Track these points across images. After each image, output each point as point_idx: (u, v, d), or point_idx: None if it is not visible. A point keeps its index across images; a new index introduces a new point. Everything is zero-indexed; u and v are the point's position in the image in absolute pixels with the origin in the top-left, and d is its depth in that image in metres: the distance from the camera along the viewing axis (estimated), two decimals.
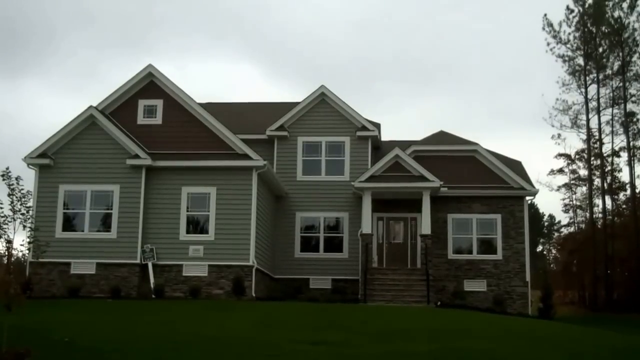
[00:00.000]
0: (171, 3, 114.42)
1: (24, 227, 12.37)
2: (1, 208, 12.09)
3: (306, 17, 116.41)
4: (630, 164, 47.14)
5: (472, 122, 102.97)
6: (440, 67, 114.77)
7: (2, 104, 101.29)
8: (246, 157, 24.62)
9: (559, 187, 56.27)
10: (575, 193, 56.59)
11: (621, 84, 47.93)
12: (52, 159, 24.74)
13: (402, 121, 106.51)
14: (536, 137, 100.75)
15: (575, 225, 58.21)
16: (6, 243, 12.06)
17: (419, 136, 31.31)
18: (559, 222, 74.81)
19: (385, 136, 31.91)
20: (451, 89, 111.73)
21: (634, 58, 47.86)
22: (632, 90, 48.06)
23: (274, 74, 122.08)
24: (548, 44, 50.47)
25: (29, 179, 24.09)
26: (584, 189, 53.48)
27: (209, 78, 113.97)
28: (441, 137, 30.74)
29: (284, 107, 30.05)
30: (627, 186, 48.89)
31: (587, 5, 49.36)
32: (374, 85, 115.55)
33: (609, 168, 49.32)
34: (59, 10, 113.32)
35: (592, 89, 48.83)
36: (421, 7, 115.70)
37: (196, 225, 24.48)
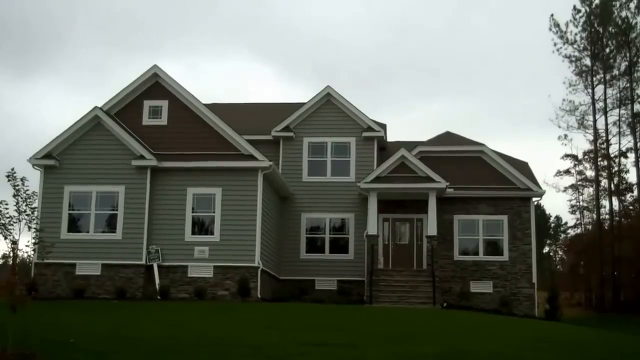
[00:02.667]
0: (184, 3, 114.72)
1: (29, 228, 12.30)
2: (6, 209, 12.03)
3: (319, 17, 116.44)
4: (638, 165, 46.97)
5: (478, 123, 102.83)
6: (447, 69, 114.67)
7: (13, 104, 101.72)
8: (252, 157, 24.57)
9: (566, 188, 56.16)
10: (582, 194, 56.46)
11: (628, 85, 47.78)
12: (57, 160, 24.74)
13: (408, 122, 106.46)
14: (543, 138, 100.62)
15: (582, 226, 58.04)
16: (11, 244, 11.99)
17: (425, 137, 31.27)
18: (566, 223, 74.66)
19: (392, 137, 31.87)
20: (457, 90, 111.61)
21: None
22: (639, 91, 47.90)
23: (288, 73, 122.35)
24: (555, 45, 50.38)
25: (34, 180, 24.14)
26: (591, 190, 53.34)
27: (222, 78, 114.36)
28: (447, 137, 30.65)
29: (290, 108, 30.00)
30: (634, 187, 48.74)
31: (594, 5, 49.19)
32: (383, 86, 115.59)
33: (616, 169, 49.14)
34: (70, 9, 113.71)
35: (599, 90, 48.74)
36: (428, 9, 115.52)
37: (201, 226, 24.44)
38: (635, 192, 48.87)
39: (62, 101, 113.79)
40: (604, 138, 48.87)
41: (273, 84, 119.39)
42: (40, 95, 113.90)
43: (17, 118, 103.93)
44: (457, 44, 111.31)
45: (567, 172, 55.21)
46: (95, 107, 25.00)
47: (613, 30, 48.58)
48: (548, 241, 79.62)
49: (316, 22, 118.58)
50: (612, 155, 48.88)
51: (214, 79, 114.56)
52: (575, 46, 49.71)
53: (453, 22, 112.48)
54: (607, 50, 48.92)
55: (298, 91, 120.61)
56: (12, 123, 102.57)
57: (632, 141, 47.60)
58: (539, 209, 66.33)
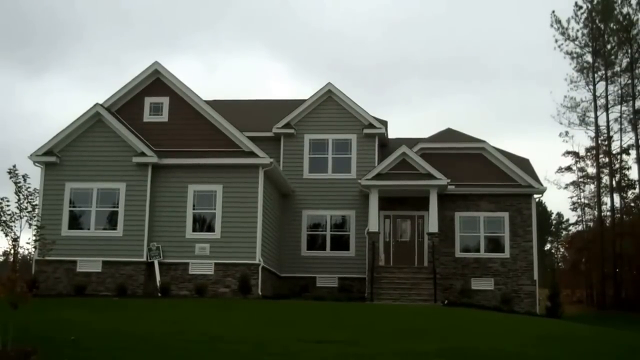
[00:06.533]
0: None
1: (30, 225, 12.28)
2: (8, 206, 12.01)
3: (330, 14, 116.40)
4: (639, 162, 46.91)
5: (479, 120, 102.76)
6: (448, 66, 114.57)
7: (26, 101, 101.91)
8: (252, 154, 24.53)
9: (567, 185, 56.07)
10: (583, 191, 56.37)
11: (630, 81, 47.70)
12: (58, 157, 24.70)
13: (410, 119, 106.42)
14: (544, 135, 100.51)
15: (584, 223, 57.99)
16: (12, 241, 11.97)
17: (426, 134, 31.23)
18: (567, 220, 74.52)
19: (393, 134, 31.83)
20: (459, 87, 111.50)
21: None
22: None
23: (301, 71, 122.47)
24: (556, 41, 50.31)
25: (35, 177, 24.11)
26: (592, 187, 53.25)
27: (235, 74, 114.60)
28: (448, 134, 30.59)
29: (291, 105, 29.96)
30: (636, 184, 48.67)
31: (595, 2, 49.10)
32: (386, 83, 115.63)
33: (618, 166, 49.07)
34: (86, 7, 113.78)
35: (601, 86, 48.66)
36: (428, 7, 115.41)
37: (202, 223, 24.42)
38: (637, 189, 48.84)
39: (76, 98, 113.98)
40: (606, 135, 48.81)
41: (286, 81, 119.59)
42: (55, 92, 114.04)
43: (30, 115, 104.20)
44: (458, 41, 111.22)
45: (569, 169, 55.15)
46: (96, 104, 24.97)
47: (614, 27, 48.48)
48: (549, 238, 79.55)
49: (326, 20, 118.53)
50: (613, 152, 48.81)
51: (228, 75, 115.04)
52: (576, 43, 49.66)
53: (455, 20, 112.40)
54: (609, 46, 48.83)
55: (310, 88, 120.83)
56: (26, 120, 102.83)
57: (634, 138, 47.54)
58: (540, 206, 66.26)
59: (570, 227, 67.26)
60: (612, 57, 48.48)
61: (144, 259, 23.88)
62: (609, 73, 48.36)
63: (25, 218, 12.03)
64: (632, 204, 50.60)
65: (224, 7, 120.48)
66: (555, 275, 56.70)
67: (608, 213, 49.20)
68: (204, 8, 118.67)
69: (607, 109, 48.24)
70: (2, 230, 11.80)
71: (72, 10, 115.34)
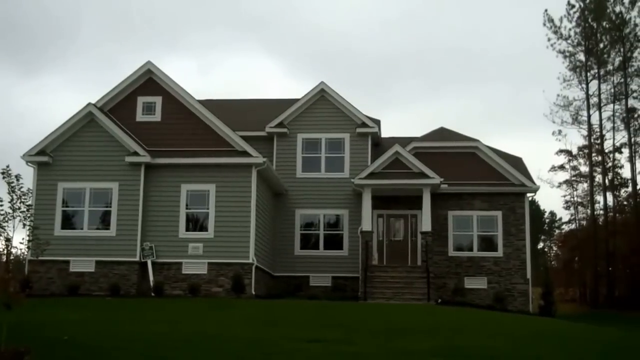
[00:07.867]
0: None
1: (24, 225, 12.24)
2: (1, 206, 11.97)
3: (325, 14, 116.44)
4: (632, 160, 47.15)
5: (472, 119, 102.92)
6: (440, 65, 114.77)
7: (22, 101, 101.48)
8: (245, 154, 24.53)
9: (560, 184, 56.24)
10: (576, 190, 56.59)
11: (622, 80, 47.87)
12: (50, 157, 24.64)
13: (403, 118, 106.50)
14: (537, 134, 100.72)
15: (576, 222, 58.20)
16: (5, 241, 11.92)
17: (419, 133, 31.27)
18: (560, 219, 74.73)
19: (386, 133, 31.86)
20: (451, 86, 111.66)
21: (635, 54, 47.83)
22: (633, 86, 48.04)
23: (297, 70, 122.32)
24: (549, 40, 50.47)
25: (27, 177, 24.03)
26: (585, 185, 53.47)
27: (231, 73, 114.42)
28: (441, 133, 30.64)
29: (284, 104, 29.95)
30: (629, 182, 48.88)
31: (588, 0, 49.27)
32: (380, 82, 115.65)
33: (610, 164, 49.25)
34: (82, 7, 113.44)
35: (593, 85, 48.83)
36: (421, 6, 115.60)
37: (195, 223, 24.40)
38: (630, 188, 49.01)
39: (73, 98, 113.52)
40: (598, 133, 48.98)
41: (280, 80, 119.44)
42: (51, 92, 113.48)
43: (26, 115, 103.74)
44: (451, 41, 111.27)
45: (562, 167, 55.33)
46: (89, 104, 24.92)
47: (607, 26, 48.64)
48: (542, 237, 79.76)
49: (320, 19, 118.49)
50: (606, 151, 48.99)
51: (223, 74, 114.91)
52: (569, 41, 49.81)
53: (448, 19, 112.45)
54: (601, 45, 48.98)
55: (304, 87, 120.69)
56: (22, 120, 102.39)
57: (626, 136, 47.73)
58: (533, 205, 66.38)
59: (563, 226, 67.51)
60: (605, 55, 48.65)
61: (137, 259, 23.84)
62: (602, 72, 48.53)
63: (19, 218, 11.99)
64: (625, 203, 50.79)
65: (220, 7, 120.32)
66: (548, 273, 56.87)
67: (601, 211, 49.40)
68: (201, 8, 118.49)
69: (599, 108, 48.43)
70: None
71: (69, 11, 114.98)
